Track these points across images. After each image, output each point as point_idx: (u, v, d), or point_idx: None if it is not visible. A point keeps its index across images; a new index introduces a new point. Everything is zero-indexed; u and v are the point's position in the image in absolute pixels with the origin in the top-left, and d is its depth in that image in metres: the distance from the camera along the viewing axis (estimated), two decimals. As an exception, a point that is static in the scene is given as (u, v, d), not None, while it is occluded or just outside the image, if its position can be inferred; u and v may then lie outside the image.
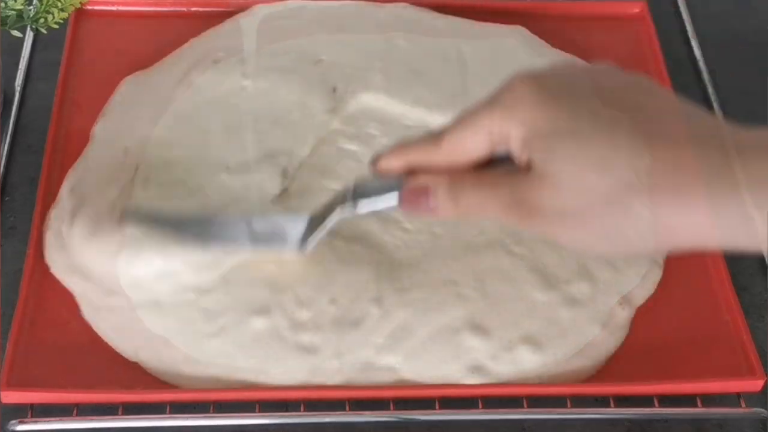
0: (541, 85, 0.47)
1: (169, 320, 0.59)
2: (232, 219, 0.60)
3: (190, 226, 0.59)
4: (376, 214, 0.54)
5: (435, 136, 0.50)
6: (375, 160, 0.52)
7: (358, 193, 0.53)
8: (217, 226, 0.60)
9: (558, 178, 0.46)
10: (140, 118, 0.68)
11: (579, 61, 0.51)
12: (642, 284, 0.62)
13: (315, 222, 0.57)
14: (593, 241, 0.47)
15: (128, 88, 0.71)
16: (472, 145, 0.49)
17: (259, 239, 0.58)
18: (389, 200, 0.52)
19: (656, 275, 0.63)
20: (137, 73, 0.72)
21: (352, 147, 0.67)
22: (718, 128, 0.46)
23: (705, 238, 0.45)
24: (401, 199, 0.51)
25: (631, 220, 0.45)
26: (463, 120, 0.50)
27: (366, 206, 0.53)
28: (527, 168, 0.47)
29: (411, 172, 0.51)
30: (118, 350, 0.59)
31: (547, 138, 0.46)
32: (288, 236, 0.58)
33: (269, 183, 0.64)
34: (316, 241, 0.57)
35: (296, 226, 0.58)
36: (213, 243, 0.59)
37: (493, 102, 0.49)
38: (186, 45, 0.74)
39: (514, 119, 0.47)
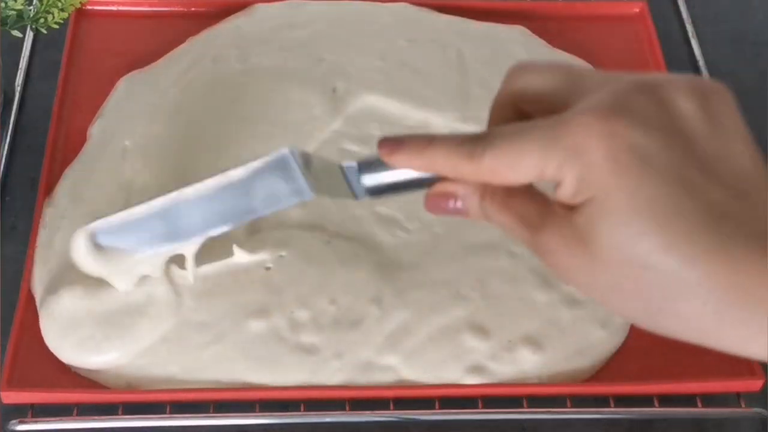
0: (616, 136, 0.39)
1: (160, 348, 0.58)
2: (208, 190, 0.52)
3: (158, 222, 0.54)
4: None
5: (470, 147, 0.42)
6: (388, 146, 0.44)
7: (369, 165, 0.46)
8: (191, 207, 0.53)
9: (601, 257, 0.40)
10: (138, 117, 0.68)
11: (667, 80, 0.42)
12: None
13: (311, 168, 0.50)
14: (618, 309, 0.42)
15: (126, 88, 0.71)
16: (516, 177, 0.41)
17: (256, 206, 0.52)
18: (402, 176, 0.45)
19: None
20: (135, 72, 0.72)
21: (353, 148, 0.67)
22: None
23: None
24: (426, 204, 0.45)
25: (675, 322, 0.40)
26: (513, 146, 0.41)
27: (374, 180, 0.46)
28: (567, 208, 0.41)
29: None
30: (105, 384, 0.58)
31: (614, 213, 0.39)
32: (285, 193, 0.50)
33: None
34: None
35: (291, 181, 0.50)
36: (195, 233, 0.54)
37: (552, 138, 0.40)
38: (184, 44, 0.74)
39: (574, 174, 0.40)
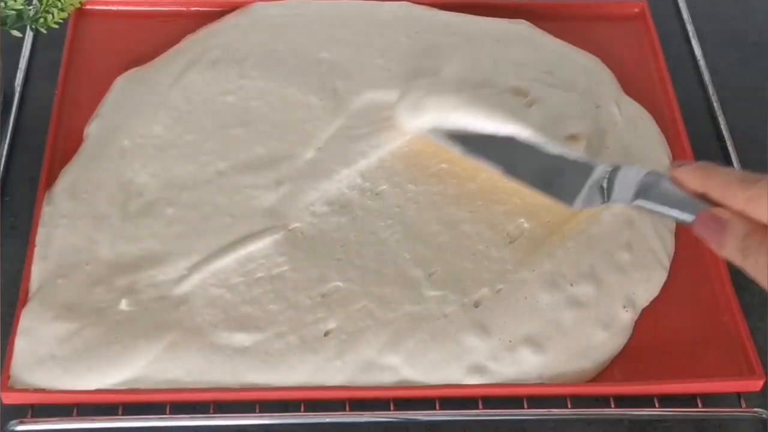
0: None
1: (163, 356, 0.58)
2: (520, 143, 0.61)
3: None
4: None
5: (746, 181, 0.48)
6: (675, 166, 0.52)
7: (645, 187, 0.54)
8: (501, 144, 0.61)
9: None
10: (136, 117, 0.68)
11: None
12: (647, 287, 0.62)
13: (593, 184, 0.58)
14: None
15: (122, 86, 0.71)
16: None
17: (542, 179, 0.60)
18: (684, 216, 0.52)
19: (661, 278, 0.63)
20: (132, 70, 0.72)
21: (357, 147, 0.66)
22: None
23: None
24: (696, 219, 0.50)
25: None
26: None
27: (653, 206, 0.54)
28: None
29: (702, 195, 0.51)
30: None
31: None
32: (565, 187, 0.59)
33: (264, 191, 0.64)
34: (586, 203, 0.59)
35: (576, 177, 0.59)
36: (499, 162, 0.62)
37: None
38: (181, 43, 0.74)
39: None
